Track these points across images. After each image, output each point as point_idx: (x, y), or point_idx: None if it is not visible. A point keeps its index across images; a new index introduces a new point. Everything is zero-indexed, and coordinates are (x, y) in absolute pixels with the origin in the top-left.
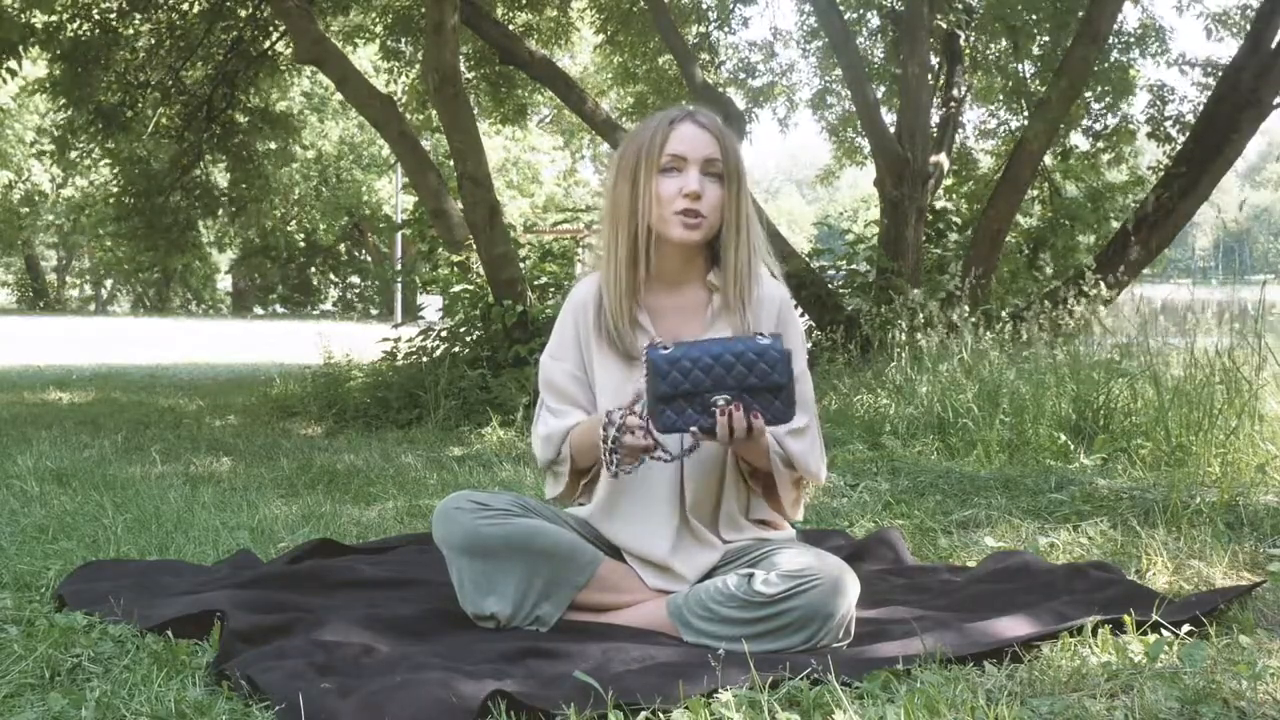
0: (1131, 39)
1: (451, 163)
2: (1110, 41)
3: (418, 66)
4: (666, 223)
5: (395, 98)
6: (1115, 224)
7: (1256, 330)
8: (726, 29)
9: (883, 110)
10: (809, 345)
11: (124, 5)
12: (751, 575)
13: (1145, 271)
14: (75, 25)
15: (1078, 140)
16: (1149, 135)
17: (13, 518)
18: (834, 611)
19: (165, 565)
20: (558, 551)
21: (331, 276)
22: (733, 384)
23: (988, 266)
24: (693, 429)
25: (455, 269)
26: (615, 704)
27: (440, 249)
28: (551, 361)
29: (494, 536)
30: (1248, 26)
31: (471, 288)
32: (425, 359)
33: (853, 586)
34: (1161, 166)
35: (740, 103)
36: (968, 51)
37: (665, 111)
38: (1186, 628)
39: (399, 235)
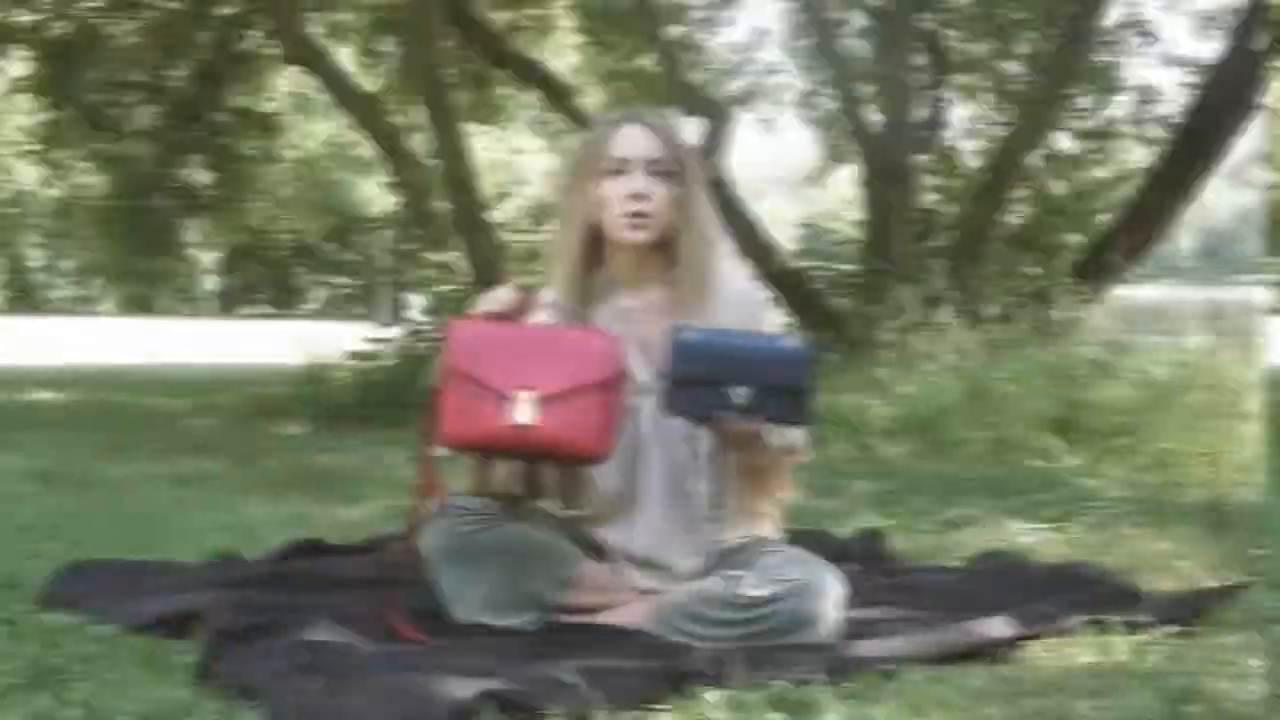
0: (1117, 38)
1: (436, 162)
2: (1096, 40)
3: (401, 65)
4: (614, 225)
5: (378, 97)
6: (1101, 221)
7: (1243, 330)
8: (711, 31)
9: (868, 110)
10: None
11: (106, 4)
12: (738, 578)
13: (1131, 271)
14: (60, 24)
15: (1064, 142)
16: (1134, 136)
17: None
18: (820, 613)
19: (150, 565)
20: (541, 553)
21: (317, 276)
22: (752, 380)
23: (973, 266)
24: (705, 415)
25: (440, 269)
26: (603, 704)
27: (425, 249)
28: None
29: (475, 540)
30: (1233, 26)
31: (457, 288)
32: (412, 358)
33: (839, 588)
34: (1148, 166)
35: (723, 102)
36: (953, 50)
37: (613, 115)
38: (1172, 627)
39: (385, 235)
